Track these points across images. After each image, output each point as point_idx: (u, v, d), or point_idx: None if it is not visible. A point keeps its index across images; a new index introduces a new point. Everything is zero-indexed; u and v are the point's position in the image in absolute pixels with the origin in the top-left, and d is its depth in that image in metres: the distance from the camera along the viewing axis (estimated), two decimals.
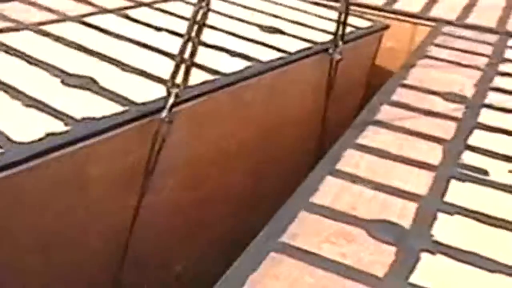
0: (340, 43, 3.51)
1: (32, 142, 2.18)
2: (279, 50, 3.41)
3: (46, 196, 2.23)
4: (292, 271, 1.95)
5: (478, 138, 2.90)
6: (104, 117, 2.41)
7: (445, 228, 2.23)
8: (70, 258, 2.37)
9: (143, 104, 2.56)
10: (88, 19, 3.47)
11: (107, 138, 2.35)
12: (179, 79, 2.46)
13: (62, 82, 2.66)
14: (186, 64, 2.43)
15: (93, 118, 2.38)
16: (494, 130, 3.00)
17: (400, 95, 3.31)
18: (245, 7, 4.17)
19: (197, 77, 2.73)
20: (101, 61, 2.93)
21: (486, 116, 3.14)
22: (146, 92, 2.66)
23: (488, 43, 4.23)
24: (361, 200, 2.35)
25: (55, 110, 2.41)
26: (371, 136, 2.84)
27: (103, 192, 2.43)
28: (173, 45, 3.13)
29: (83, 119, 2.37)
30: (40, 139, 2.20)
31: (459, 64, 3.80)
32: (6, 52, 2.91)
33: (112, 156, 2.42)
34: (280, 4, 4.35)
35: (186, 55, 2.43)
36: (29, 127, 2.27)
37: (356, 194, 2.39)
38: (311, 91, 3.57)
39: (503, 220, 2.30)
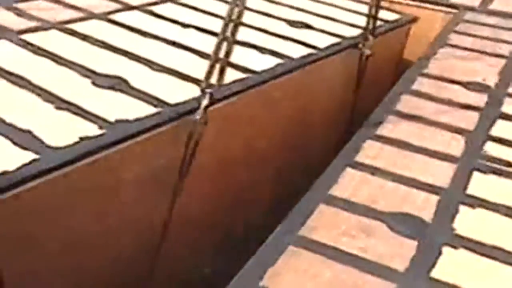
0: (370, 38, 3.44)
1: (67, 146, 2.14)
2: (308, 46, 3.34)
3: (80, 201, 2.19)
4: (310, 265, 1.93)
5: (501, 128, 2.84)
6: (137, 119, 2.36)
7: (467, 222, 2.18)
8: (101, 263, 2.35)
9: (176, 105, 2.51)
10: (114, 17, 3.42)
11: (141, 141, 2.30)
12: (213, 79, 2.40)
13: (93, 83, 2.62)
14: (221, 64, 2.37)
15: (127, 121, 2.34)
16: None
17: (421, 84, 3.25)
18: (272, 1, 4.11)
19: (228, 75, 2.62)
20: (130, 60, 2.88)
21: (509, 106, 3.07)
22: (178, 92, 2.62)
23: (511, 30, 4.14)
24: (381, 193, 2.31)
25: (87, 112, 2.37)
26: (391, 127, 2.79)
27: (136, 196, 2.39)
28: (202, 42, 3.15)
29: (117, 121, 2.33)
30: (75, 143, 2.16)
31: (481, 52, 3.72)
32: (35, 52, 2.88)
33: (146, 159, 2.37)
34: None
35: (221, 54, 2.37)
36: (63, 131, 2.23)
37: (376, 186, 2.35)
38: (340, 87, 3.51)
39: (508, 207, 2.25)
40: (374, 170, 2.44)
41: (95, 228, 2.26)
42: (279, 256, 1.94)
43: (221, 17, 3.44)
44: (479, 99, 3.13)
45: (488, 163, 2.54)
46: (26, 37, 3.03)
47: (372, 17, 3.39)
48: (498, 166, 2.53)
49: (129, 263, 2.45)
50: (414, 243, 2.05)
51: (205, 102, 2.35)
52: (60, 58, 2.82)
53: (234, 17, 2.32)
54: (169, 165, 2.40)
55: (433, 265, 1.96)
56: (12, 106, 2.38)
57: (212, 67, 2.36)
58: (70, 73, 2.70)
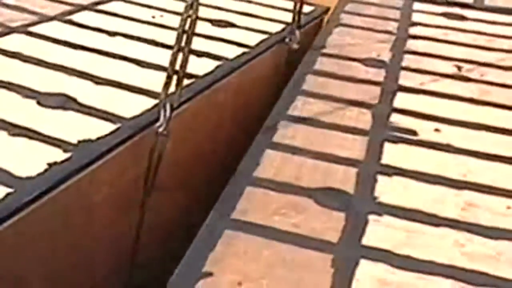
0: (297, 31, 3.50)
1: (39, 175, 2.00)
2: (239, 44, 3.31)
3: (57, 229, 2.06)
4: (249, 246, 1.96)
5: (402, 100, 3.01)
6: (100, 138, 2.25)
7: (387, 190, 2.30)
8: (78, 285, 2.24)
9: (133, 118, 2.42)
10: (34, 29, 3.20)
11: (108, 160, 2.20)
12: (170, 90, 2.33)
13: (39, 103, 2.45)
14: (178, 75, 2.31)
15: (90, 141, 2.23)
16: (414, 91, 3.11)
17: (323, 64, 3.36)
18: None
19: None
20: (69, 76, 2.72)
21: (405, 79, 3.25)
22: (129, 105, 2.52)
23: (396, 8, 4.36)
24: (303, 170, 2.38)
25: (45, 136, 2.22)
26: (301, 107, 2.88)
27: (108, 217, 2.30)
28: (136, 50, 3.06)
29: (80, 142, 2.21)
30: (46, 171, 2.03)
31: (372, 30, 3.90)
32: None
33: (113, 177, 2.27)
34: None
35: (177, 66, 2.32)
36: (27, 159, 2.09)
37: (298, 164, 2.42)
38: (272, 82, 3.49)
39: (437, 176, 2.41)
40: (293, 149, 2.50)
41: (72, 256, 2.15)
42: (217, 241, 1.96)
43: (143, 22, 3.47)
44: (377, 74, 3.28)
45: (396, 134, 2.69)
46: None
47: (297, 11, 3.45)
48: (405, 136, 2.68)
49: (104, 283, 2.37)
50: (342, 215, 2.14)
51: (167, 113, 2.30)
52: None
53: (187, 27, 2.28)
54: (135, 180, 2.33)
55: (362, 234, 2.06)
56: None
57: (169, 78, 2.30)
58: (11, 95, 2.52)
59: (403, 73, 3.33)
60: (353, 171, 2.40)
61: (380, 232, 2.07)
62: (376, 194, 2.27)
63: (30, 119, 2.33)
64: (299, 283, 1.83)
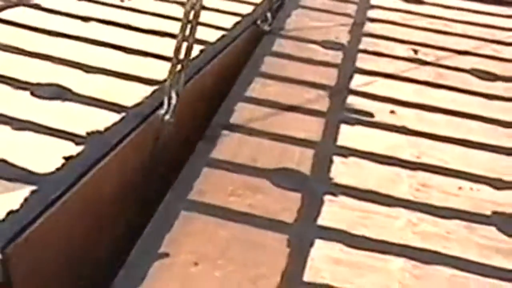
0: (268, 14, 3.49)
1: (58, 170, 1.93)
2: (214, 27, 3.24)
3: (78, 224, 1.99)
4: (205, 227, 1.97)
5: (359, 82, 3.03)
6: (108, 129, 2.19)
7: (342, 171, 2.33)
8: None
9: (134, 107, 2.36)
10: (2, 15, 3.05)
11: (119, 150, 2.13)
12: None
13: (33, 94, 2.36)
14: (182, 64, 2.29)
15: (98, 132, 2.16)
16: (371, 73, 3.14)
17: (281, 45, 3.36)
18: None
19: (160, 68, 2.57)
20: (55, 65, 2.63)
21: (363, 61, 3.28)
22: (127, 92, 2.45)
23: None
24: (260, 151, 2.39)
25: (51, 128, 2.14)
26: (259, 88, 2.88)
27: (118, 209, 2.23)
28: (115, 36, 2.97)
29: (89, 134, 2.14)
30: (63, 165, 1.96)
31: (331, 12, 3.92)
32: None
33: (122, 166, 2.19)
34: None
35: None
36: (40, 153, 2.01)
37: (255, 146, 2.43)
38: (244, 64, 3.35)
39: (392, 157, 2.45)
40: (250, 131, 2.51)
41: (87, 248, 2.08)
42: (173, 221, 1.96)
43: (112, 6, 3.34)
44: (335, 57, 3.30)
45: (353, 115, 2.71)
46: None
47: None
48: (361, 117, 2.71)
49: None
50: (298, 195, 2.16)
51: (173, 101, 2.29)
52: None
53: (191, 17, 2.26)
54: (141, 168, 2.30)
55: (318, 214, 2.08)
56: None
57: (173, 67, 2.28)
58: (2, 87, 2.41)
59: (360, 55, 3.36)
60: (309, 152, 2.42)
61: (335, 212, 2.10)
62: (331, 175, 2.30)
63: (28, 111, 2.24)
64: (255, 263, 1.84)
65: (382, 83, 3.06)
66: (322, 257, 1.91)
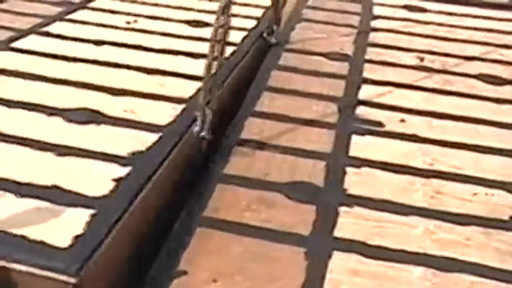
0: (275, 26, 3.52)
1: (112, 192, 1.95)
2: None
3: (130, 245, 1.99)
4: (221, 243, 1.96)
5: (366, 92, 3.03)
6: (149, 148, 2.21)
7: (356, 181, 2.32)
8: None
9: (169, 125, 2.39)
10: (16, 45, 3.08)
11: (163, 169, 2.15)
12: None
13: (65, 120, 2.37)
14: (214, 83, 2.35)
15: (141, 152, 2.18)
16: (379, 83, 3.14)
17: (286, 59, 3.37)
18: (159, 5, 3.89)
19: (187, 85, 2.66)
20: (79, 89, 2.64)
21: (369, 71, 3.28)
22: (155, 112, 2.48)
23: (357, 1, 4.39)
24: (272, 165, 2.39)
25: (92, 152, 2.16)
26: (267, 103, 2.88)
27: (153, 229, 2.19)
28: (130, 57, 3.01)
29: (133, 155, 2.16)
30: (116, 187, 1.97)
31: (335, 24, 3.93)
32: None
33: (162, 184, 2.19)
34: None
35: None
36: (88, 178, 2.02)
37: (266, 160, 2.42)
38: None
39: (405, 166, 2.44)
40: (261, 145, 2.50)
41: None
42: (189, 239, 1.95)
43: (120, 28, 3.39)
44: (341, 68, 3.31)
45: (363, 125, 2.71)
46: None
47: (275, 5, 3.48)
48: (371, 127, 2.70)
49: None
50: (313, 208, 2.15)
51: (209, 119, 2.35)
52: (3, 100, 2.50)
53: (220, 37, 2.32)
54: (179, 186, 2.31)
55: (334, 226, 2.07)
56: (11, 165, 2.08)
57: (205, 84, 2.33)
58: (34, 115, 2.42)
59: (366, 65, 3.35)
60: (321, 164, 2.41)
61: (351, 223, 2.09)
62: (345, 186, 2.29)
63: (66, 137, 2.25)
64: (273, 278, 1.83)
65: (390, 92, 3.06)
66: (341, 269, 1.89)
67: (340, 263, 1.91)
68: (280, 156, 2.45)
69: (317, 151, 2.49)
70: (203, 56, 2.96)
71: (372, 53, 3.52)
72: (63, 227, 1.78)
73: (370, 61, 3.40)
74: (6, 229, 1.74)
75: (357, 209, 2.16)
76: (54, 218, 1.81)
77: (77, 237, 1.74)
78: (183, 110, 2.51)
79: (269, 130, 2.63)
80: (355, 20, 4.03)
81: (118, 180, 2.02)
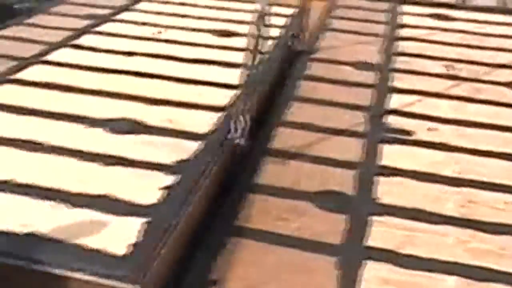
0: (300, 34, 3.57)
1: (165, 200, 1.99)
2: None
3: (181, 251, 2.02)
4: (254, 252, 1.97)
5: (394, 101, 3.03)
6: (194, 157, 2.26)
7: (385, 190, 2.32)
8: None
9: (209, 134, 2.44)
10: (49, 58, 3.15)
11: (206, 176, 2.20)
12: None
13: (106, 130, 2.42)
14: (250, 91, 2.41)
15: (186, 161, 2.23)
16: (406, 92, 3.13)
17: (313, 69, 3.38)
18: (182, 15, 3.95)
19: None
20: (117, 100, 2.70)
21: (396, 80, 3.27)
22: (193, 121, 2.54)
23: (382, 11, 4.39)
24: (302, 175, 2.39)
25: (137, 161, 2.21)
26: (296, 112, 2.89)
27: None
28: (163, 67, 3.06)
29: (178, 163, 2.21)
30: (168, 195, 2.02)
31: (360, 33, 3.93)
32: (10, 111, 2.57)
33: (209, 194, 2.24)
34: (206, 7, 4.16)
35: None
36: (137, 185, 2.07)
37: (296, 169, 2.43)
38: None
39: (435, 174, 2.43)
40: (290, 155, 2.52)
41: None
42: (221, 248, 1.96)
43: (148, 39, 3.43)
44: (368, 77, 3.31)
45: (391, 135, 2.70)
46: None
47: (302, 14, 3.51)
48: (400, 136, 2.70)
49: None
50: (343, 217, 2.15)
51: (245, 126, 2.39)
52: (46, 112, 2.55)
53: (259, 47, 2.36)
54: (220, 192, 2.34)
55: (364, 235, 2.07)
56: (61, 176, 2.12)
57: (242, 93, 2.39)
58: (76, 126, 2.48)
59: (393, 74, 3.35)
60: (351, 173, 2.42)
61: (382, 232, 2.09)
62: (375, 195, 2.28)
63: (109, 147, 2.30)
64: (305, 287, 1.84)
65: (419, 101, 3.05)
66: (372, 278, 1.89)
67: (371, 273, 1.91)
68: (310, 166, 2.46)
69: (347, 160, 2.49)
70: (233, 65, 3.04)
71: (399, 62, 3.51)
72: (118, 236, 1.81)
73: (397, 70, 3.40)
74: (62, 238, 1.78)
75: (388, 218, 2.16)
76: (108, 227, 1.85)
77: (134, 245, 1.77)
78: (221, 118, 2.55)
79: (298, 140, 2.64)
80: (380, 29, 4.03)
81: (167, 188, 2.05)
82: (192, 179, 2.11)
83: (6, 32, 3.49)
